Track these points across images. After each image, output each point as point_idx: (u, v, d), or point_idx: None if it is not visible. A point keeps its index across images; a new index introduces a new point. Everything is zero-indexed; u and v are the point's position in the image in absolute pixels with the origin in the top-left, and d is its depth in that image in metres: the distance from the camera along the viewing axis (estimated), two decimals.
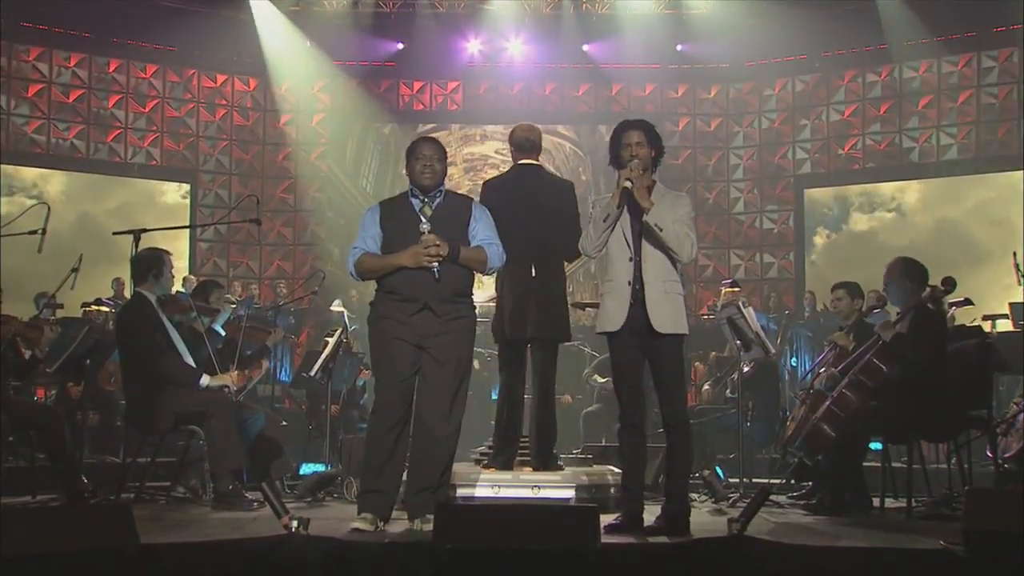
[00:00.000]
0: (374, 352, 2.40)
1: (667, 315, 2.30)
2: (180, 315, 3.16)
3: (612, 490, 2.71)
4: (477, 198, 2.61)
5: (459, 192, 2.48)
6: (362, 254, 2.38)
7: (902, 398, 2.76)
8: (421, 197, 2.41)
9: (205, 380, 2.98)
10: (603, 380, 4.68)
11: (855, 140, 7.06)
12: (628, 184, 2.28)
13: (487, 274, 2.47)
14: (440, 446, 2.31)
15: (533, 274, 2.76)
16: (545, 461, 2.78)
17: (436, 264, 2.29)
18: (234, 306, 3.56)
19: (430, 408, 2.32)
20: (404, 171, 2.43)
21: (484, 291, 4.42)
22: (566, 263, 2.87)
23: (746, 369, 3.78)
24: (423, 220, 2.35)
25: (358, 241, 2.41)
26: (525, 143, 2.87)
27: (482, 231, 2.42)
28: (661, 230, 2.29)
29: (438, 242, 2.29)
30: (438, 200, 2.42)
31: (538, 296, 2.76)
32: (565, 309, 2.87)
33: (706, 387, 4.75)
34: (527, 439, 2.89)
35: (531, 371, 2.85)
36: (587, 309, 5.50)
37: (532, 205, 2.79)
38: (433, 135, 2.47)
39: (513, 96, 7.49)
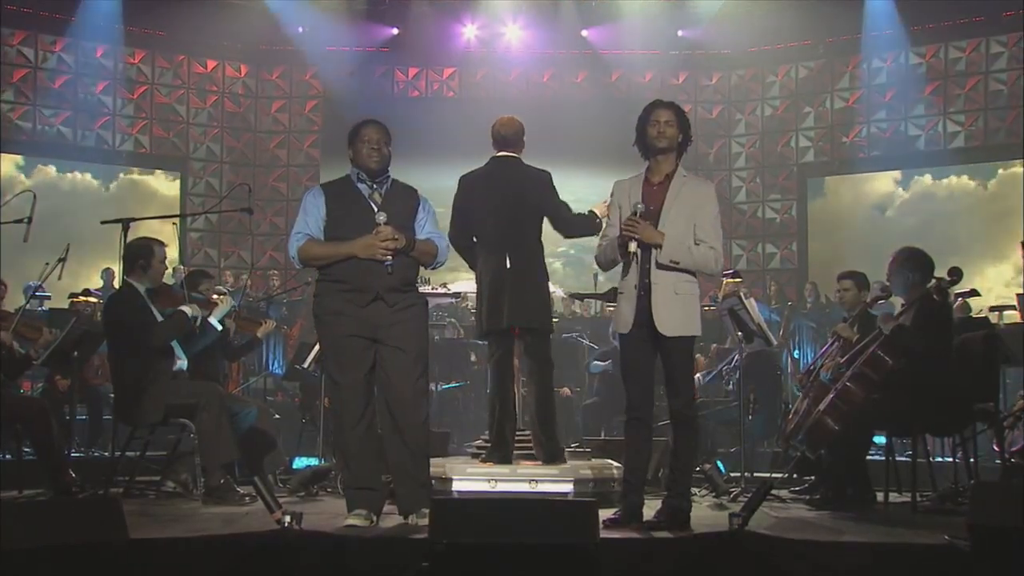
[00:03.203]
0: (327, 350, 2.34)
1: (674, 318, 2.26)
2: (172, 308, 3.09)
3: (612, 484, 2.68)
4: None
5: (404, 182, 2.42)
6: (306, 240, 2.30)
7: (907, 391, 2.71)
8: (369, 182, 2.34)
9: (187, 309, 2.95)
10: (604, 363, 4.62)
11: (859, 128, 6.96)
12: (634, 247, 2.23)
13: (432, 268, 2.42)
14: (414, 435, 2.27)
15: (508, 264, 2.73)
16: (551, 454, 2.75)
17: (390, 258, 2.22)
18: (233, 304, 3.51)
19: (398, 400, 2.26)
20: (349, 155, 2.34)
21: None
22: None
23: (737, 358, 3.72)
24: (376, 209, 2.28)
25: (300, 226, 2.32)
26: (498, 137, 2.85)
27: (429, 223, 2.38)
28: (678, 263, 2.25)
29: (396, 235, 2.22)
30: (386, 186, 2.35)
31: (513, 285, 2.74)
32: (543, 297, 2.83)
33: (698, 376, 4.70)
34: (523, 432, 2.86)
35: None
36: (584, 300, 5.46)
37: (505, 196, 2.76)
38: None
39: (510, 83, 7.38)
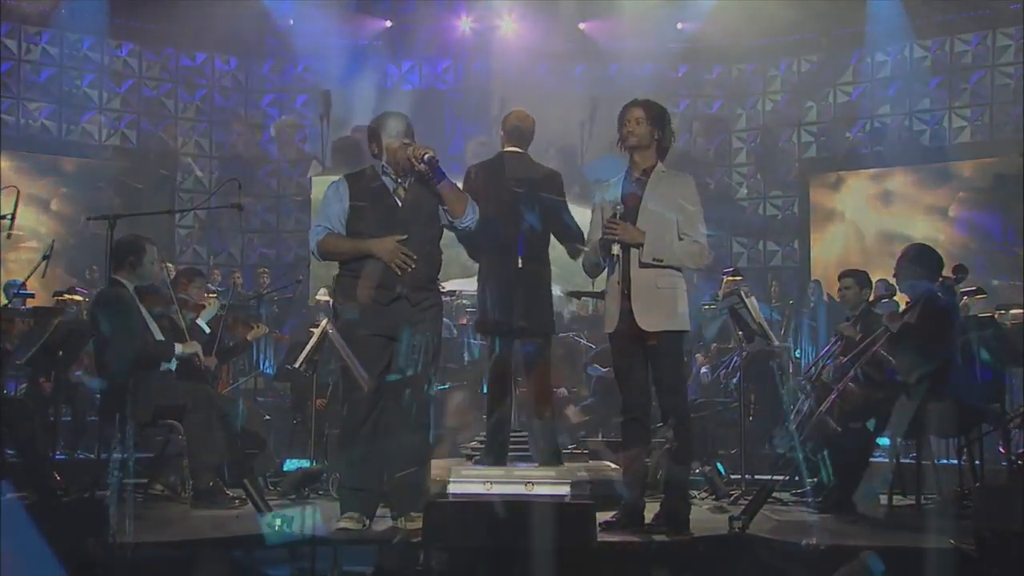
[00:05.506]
0: (345, 344, 2.34)
1: (657, 313, 2.25)
2: (161, 308, 3.02)
3: (609, 486, 2.64)
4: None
5: None
6: (327, 234, 2.30)
7: (911, 391, 2.67)
8: (393, 176, 2.34)
9: (178, 348, 2.92)
10: (604, 370, 4.59)
11: (863, 123, 6.86)
12: (616, 249, 2.23)
13: (458, 225, 2.36)
14: (419, 437, 2.29)
15: (520, 264, 2.70)
16: (548, 456, 2.74)
17: (412, 266, 2.19)
18: (222, 304, 3.44)
19: (409, 399, 2.26)
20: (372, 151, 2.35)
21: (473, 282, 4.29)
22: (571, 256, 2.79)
23: (736, 360, 3.68)
24: (399, 204, 2.28)
25: (321, 219, 2.32)
26: (514, 132, 2.82)
27: None
28: (661, 260, 2.24)
29: (425, 150, 2.22)
30: (410, 179, 2.34)
31: (525, 287, 2.72)
32: (550, 300, 2.83)
33: (704, 371, 4.66)
34: (519, 433, 2.84)
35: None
36: (582, 299, 5.41)
37: (518, 193, 2.73)
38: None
39: (506, 77, 7.27)
